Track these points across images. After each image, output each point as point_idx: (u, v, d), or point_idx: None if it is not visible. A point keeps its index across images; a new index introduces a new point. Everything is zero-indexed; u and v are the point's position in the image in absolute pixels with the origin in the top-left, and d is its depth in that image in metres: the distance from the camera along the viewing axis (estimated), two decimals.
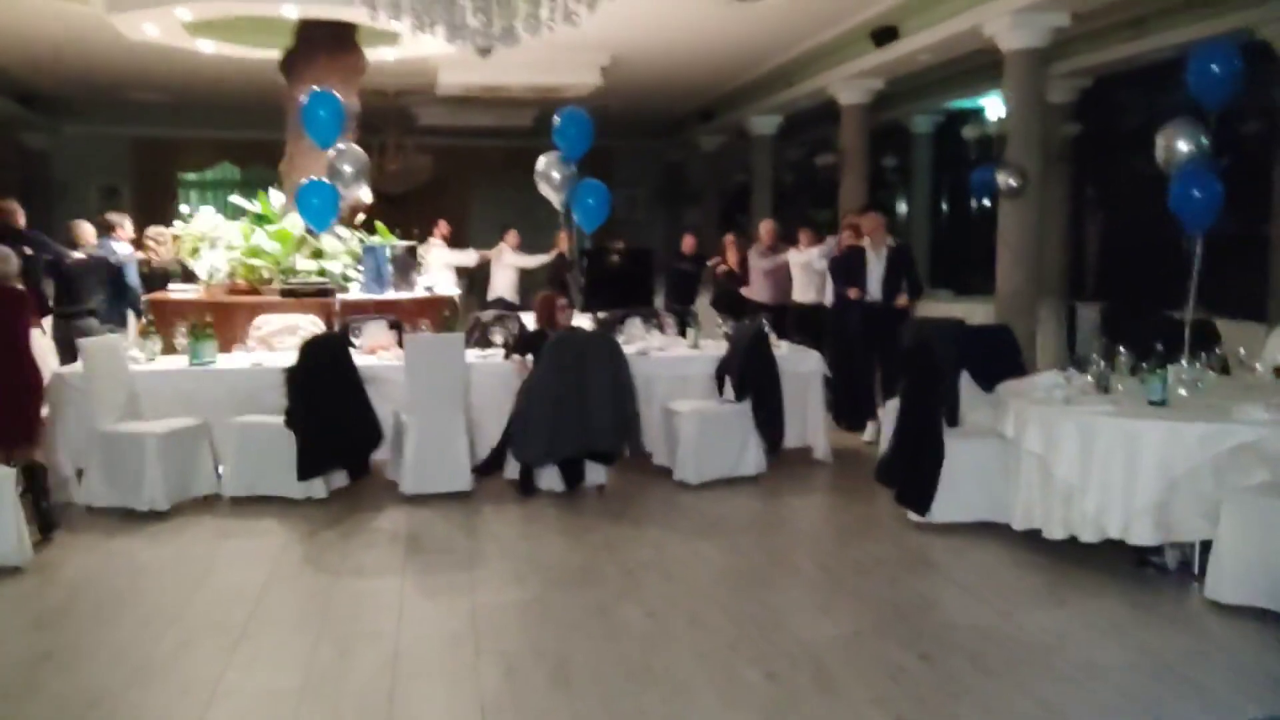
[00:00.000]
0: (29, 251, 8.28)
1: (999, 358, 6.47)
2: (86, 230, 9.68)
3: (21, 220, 8.93)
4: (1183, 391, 5.22)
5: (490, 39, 4.49)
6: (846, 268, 8.10)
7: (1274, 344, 5.89)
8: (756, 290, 10.30)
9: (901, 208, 17.45)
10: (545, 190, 8.23)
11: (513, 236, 12.24)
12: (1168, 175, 6.13)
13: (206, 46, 10.07)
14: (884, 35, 10.80)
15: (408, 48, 10.15)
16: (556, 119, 8.16)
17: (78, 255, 9.29)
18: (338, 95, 8.34)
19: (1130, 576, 4.99)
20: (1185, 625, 4.44)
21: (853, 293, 7.97)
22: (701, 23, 11.03)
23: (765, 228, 10.52)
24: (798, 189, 19.02)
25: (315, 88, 8.53)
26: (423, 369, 6.50)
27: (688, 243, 11.89)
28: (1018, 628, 4.40)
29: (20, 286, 6.19)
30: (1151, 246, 11.05)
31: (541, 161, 8.22)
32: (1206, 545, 4.71)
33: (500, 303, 11.44)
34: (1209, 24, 9.38)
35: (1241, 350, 5.83)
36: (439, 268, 11.80)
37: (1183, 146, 5.74)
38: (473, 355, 7.17)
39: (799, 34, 11.92)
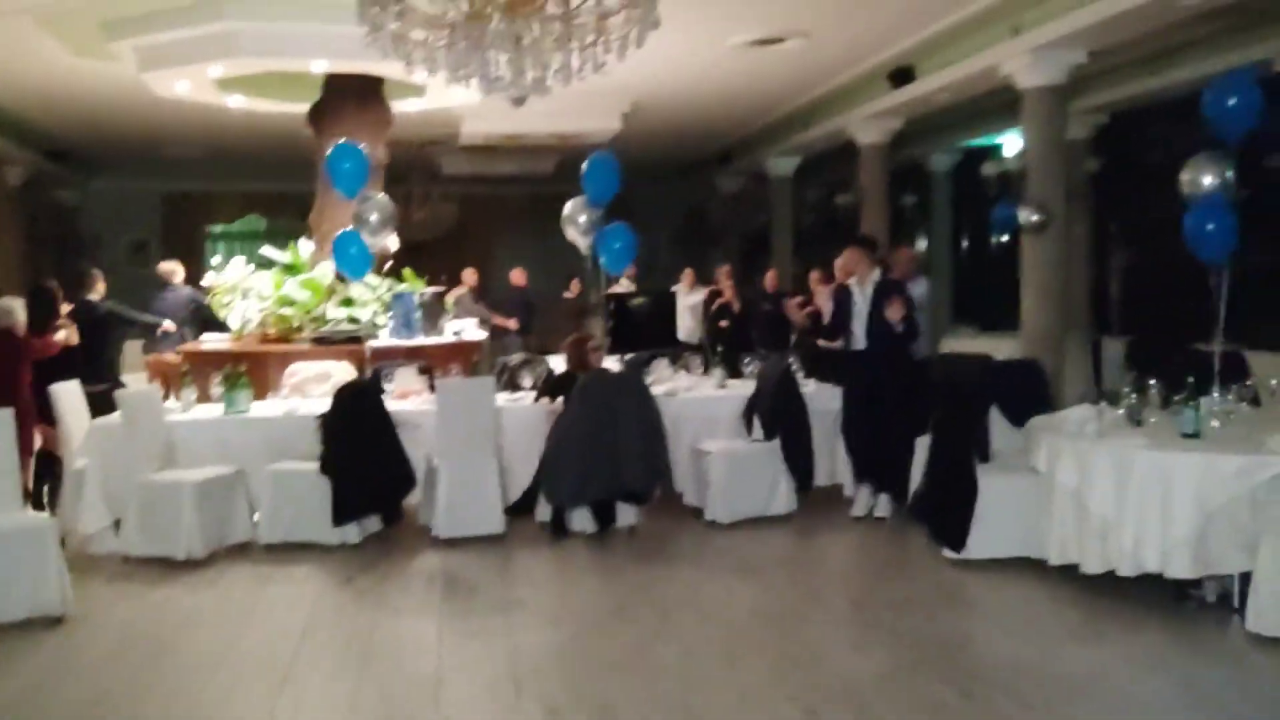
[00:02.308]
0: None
1: (1028, 393, 6.47)
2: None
3: (179, 278, 10.50)
4: (1215, 424, 5.21)
5: (524, 89, 4.61)
6: (835, 311, 7.27)
7: None
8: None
9: (922, 245, 17.50)
10: (572, 234, 8.33)
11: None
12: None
13: (236, 102, 10.28)
14: (901, 76, 10.93)
15: (433, 99, 10.33)
16: (585, 164, 8.28)
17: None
18: (361, 147, 8.51)
19: (1170, 610, 4.96)
20: (1226, 658, 4.42)
21: (794, 312, 7.26)
22: (721, 67, 11.20)
23: (906, 255, 9.01)
24: (818, 229, 19.11)
25: (340, 140, 8.70)
26: (454, 412, 6.57)
27: (769, 279, 10.74)
28: (1057, 663, 4.38)
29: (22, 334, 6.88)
30: (1175, 280, 11.04)
31: (569, 206, 8.34)
32: (1246, 577, 4.69)
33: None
34: (1226, 57, 9.45)
35: (1273, 382, 5.82)
36: (686, 309, 11.59)
37: (1207, 180, 5.78)
38: (502, 398, 7.24)
39: (817, 76, 12.06)
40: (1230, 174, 5.70)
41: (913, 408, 6.67)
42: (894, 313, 6.65)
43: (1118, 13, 7.76)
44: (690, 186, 20.83)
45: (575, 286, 13.09)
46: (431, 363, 7.92)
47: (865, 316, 6.93)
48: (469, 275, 12.75)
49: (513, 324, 12.58)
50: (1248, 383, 5.95)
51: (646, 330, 8.78)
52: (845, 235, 14.85)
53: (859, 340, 6.99)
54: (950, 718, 3.83)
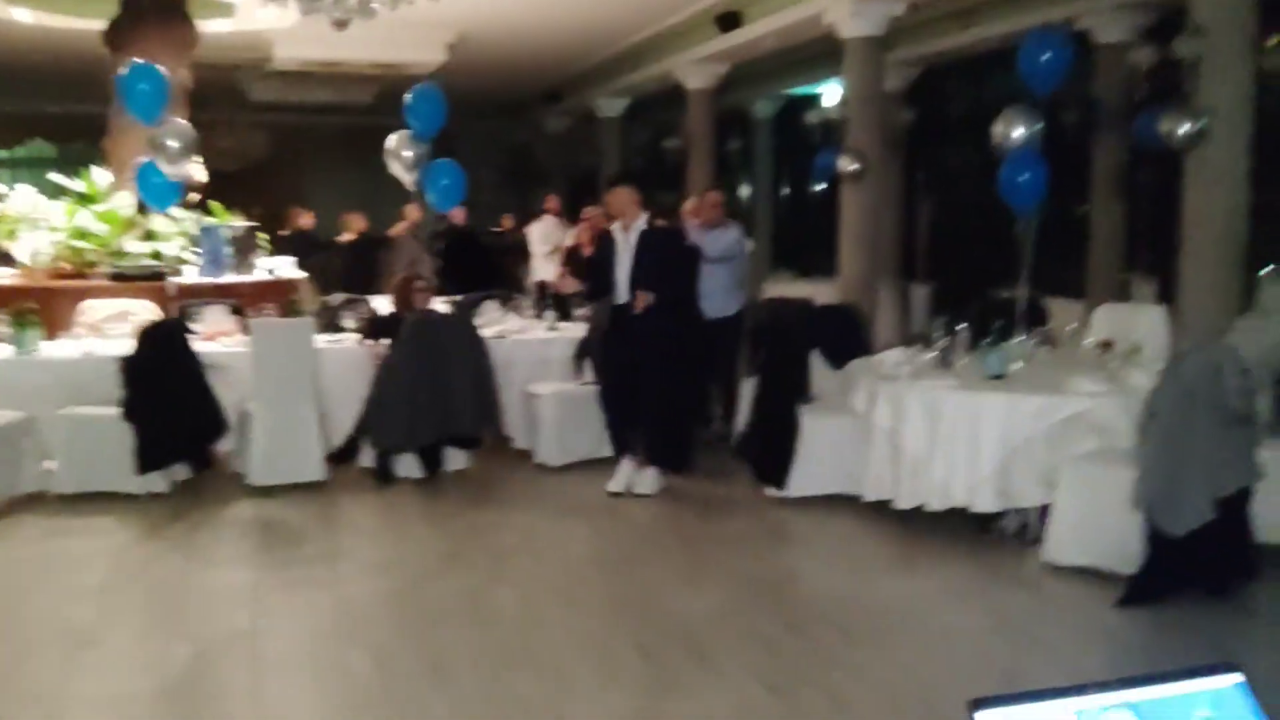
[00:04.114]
0: None
1: (846, 336, 6.69)
2: None
3: None
4: (1018, 366, 5.52)
5: (347, 11, 4.35)
6: (594, 259, 6.51)
7: (1099, 320, 6.29)
8: None
9: (745, 190, 17.83)
10: (396, 169, 7.99)
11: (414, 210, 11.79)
12: (995, 161, 6.45)
13: (24, 16, 9.35)
14: (728, 20, 10.98)
15: (242, 20, 9.71)
16: (408, 96, 7.92)
17: None
18: (160, 68, 7.90)
19: (976, 542, 5.25)
20: (1028, 587, 4.72)
21: (565, 284, 6.87)
22: (550, 3, 10.95)
23: (711, 199, 7.63)
24: (645, 172, 19.16)
25: (137, 60, 8.04)
26: (271, 355, 6.26)
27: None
28: (876, 595, 4.58)
29: None
30: (978, 229, 11.64)
31: (392, 140, 7.98)
32: (1044, 511, 5.01)
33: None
34: (1032, 15, 9.88)
35: (1070, 325, 6.21)
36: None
37: (1019, 131, 6.05)
38: (323, 340, 6.94)
39: (646, 18, 11.98)
40: (1041, 126, 5.98)
41: (683, 368, 6.19)
42: (639, 303, 5.86)
43: None
44: (517, 125, 20.46)
45: (507, 221, 12.36)
46: (243, 302, 7.52)
47: (628, 271, 5.98)
48: (412, 210, 11.76)
49: None
50: (1047, 327, 6.32)
51: (475, 271, 8.58)
52: (672, 179, 15.02)
53: (621, 293, 6.04)
54: (780, 651, 3.95)
